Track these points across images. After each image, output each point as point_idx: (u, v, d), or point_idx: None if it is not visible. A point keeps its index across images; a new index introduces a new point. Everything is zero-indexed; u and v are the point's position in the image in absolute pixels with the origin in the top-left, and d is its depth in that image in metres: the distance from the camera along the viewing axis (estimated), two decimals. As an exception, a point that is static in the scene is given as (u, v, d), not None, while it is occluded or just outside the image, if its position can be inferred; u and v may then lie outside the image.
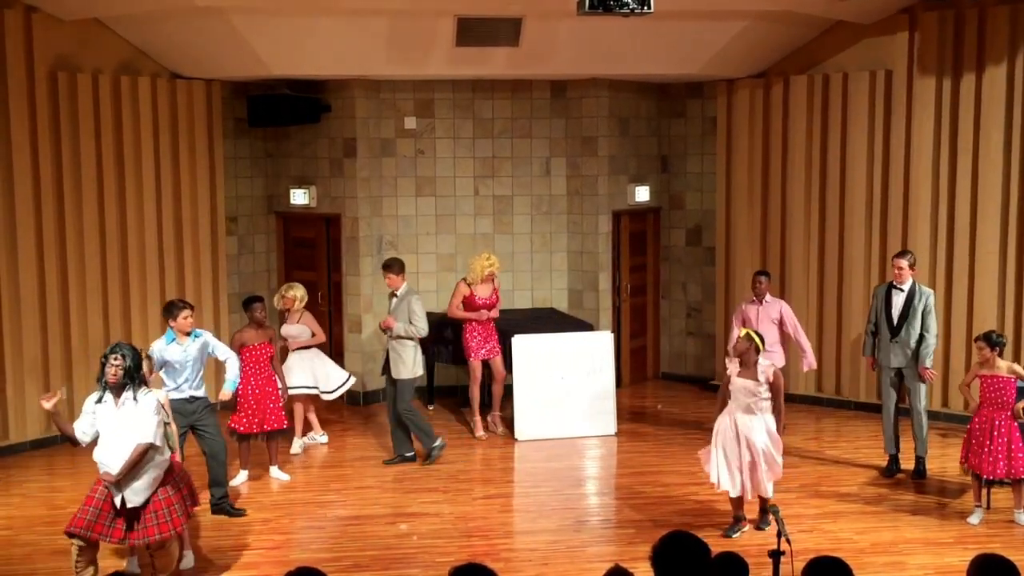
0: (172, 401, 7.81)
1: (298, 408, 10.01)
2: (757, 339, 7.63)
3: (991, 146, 10.35)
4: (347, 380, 10.13)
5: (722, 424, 7.72)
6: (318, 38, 10.07)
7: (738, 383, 7.62)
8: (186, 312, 7.98)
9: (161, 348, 8.01)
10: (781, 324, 9.98)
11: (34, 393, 10.03)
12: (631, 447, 10.22)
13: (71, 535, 6.48)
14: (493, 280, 10.47)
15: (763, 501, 7.81)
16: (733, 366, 7.68)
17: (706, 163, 12.49)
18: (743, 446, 7.59)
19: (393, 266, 9.57)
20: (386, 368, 9.58)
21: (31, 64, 9.86)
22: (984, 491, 8.09)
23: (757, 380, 7.54)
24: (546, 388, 10.38)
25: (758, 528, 7.85)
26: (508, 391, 10.57)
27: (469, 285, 10.39)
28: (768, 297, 10.04)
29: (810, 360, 10.07)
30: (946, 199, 10.68)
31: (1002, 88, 10.25)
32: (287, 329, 9.84)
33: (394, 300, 9.56)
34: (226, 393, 8.24)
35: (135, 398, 6.49)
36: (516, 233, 12.10)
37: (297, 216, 12.13)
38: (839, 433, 10.57)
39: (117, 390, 6.47)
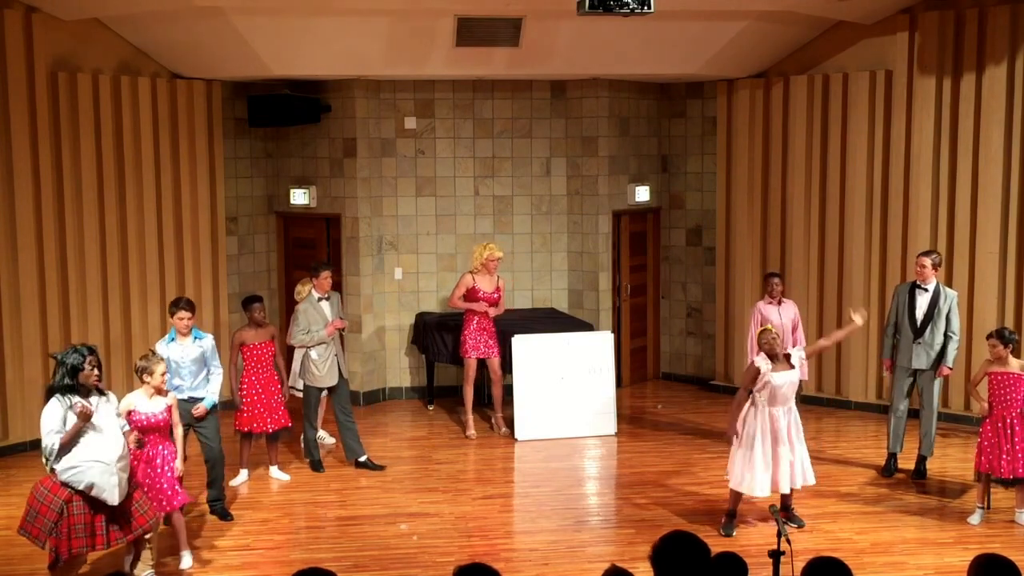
0: None
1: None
2: (780, 334, 7.88)
3: (991, 146, 10.35)
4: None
5: (759, 425, 7.62)
6: (318, 38, 10.06)
7: (783, 378, 7.55)
8: (181, 313, 7.94)
9: (164, 345, 8.01)
10: (793, 327, 9.75)
11: (34, 393, 10.03)
12: (631, 447, 10.22)
13: (53, 566, 6.34)
14: (496, 273, 10.38)
15: (785, 498, 7.88)
16: (765, 363, 7.58)
17: (706, 163, 12.49)
18: (784, 444, 7.63)
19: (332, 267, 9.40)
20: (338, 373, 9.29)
21: (31, 64, 9.86)
22: (986, 491, 8.09)
23: (797, 370, 7.67)
24: (546, 388, 10.38)
25: (799, 526, 7.87)
26: (508, 391, 10.56)
27: (473, 276, 10.36)
28: (782, 298, 9.80)
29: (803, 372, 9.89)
30: (946, 199, 10.68)
31: (1002, 88, 10.25)
32: None
33: (326, 303, 9.28)
34: (199, 408, 8.01)
35: (103, 394, 6.44)
36: (516, 233, 12.09)
37: (297, 216, 12.13)
38: (839, 433, 10.57)
39: (96, 390, 6.37)
